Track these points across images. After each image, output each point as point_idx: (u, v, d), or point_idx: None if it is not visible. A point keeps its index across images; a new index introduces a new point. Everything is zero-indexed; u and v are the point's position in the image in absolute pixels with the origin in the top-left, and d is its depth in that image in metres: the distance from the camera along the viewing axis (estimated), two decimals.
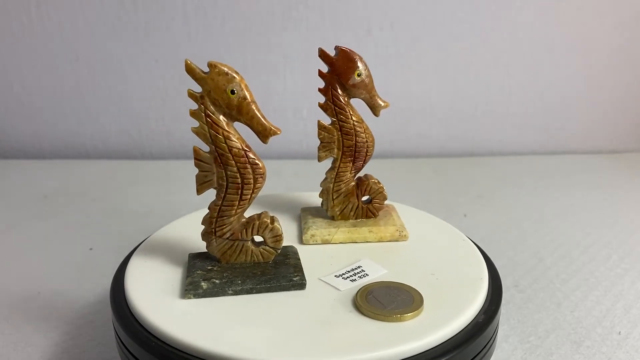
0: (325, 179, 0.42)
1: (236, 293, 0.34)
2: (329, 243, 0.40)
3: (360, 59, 0.39)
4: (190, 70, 0.32)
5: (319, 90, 0.40)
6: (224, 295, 0.34)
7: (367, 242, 0.40)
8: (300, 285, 0.34)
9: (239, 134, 0.34)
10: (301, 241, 0.40)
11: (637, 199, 0.71)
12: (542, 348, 0.41)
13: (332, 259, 0.38)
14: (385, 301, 0.32)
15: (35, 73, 0.85)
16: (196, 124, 0.34)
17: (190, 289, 0.34)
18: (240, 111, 0.33)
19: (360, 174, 0.42)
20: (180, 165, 0.84)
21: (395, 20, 0.83)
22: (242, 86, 0.32)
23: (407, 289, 0.34)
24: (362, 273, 0.36)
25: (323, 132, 0.40)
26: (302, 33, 0.83)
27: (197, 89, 0.33)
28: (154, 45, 0.83)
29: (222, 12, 0.82)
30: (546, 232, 0.61)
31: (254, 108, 0.33)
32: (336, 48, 0.39)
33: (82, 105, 0.87)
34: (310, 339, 0.30)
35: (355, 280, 0.35)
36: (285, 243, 0.38)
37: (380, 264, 0.37)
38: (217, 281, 0.34)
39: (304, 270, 0.36)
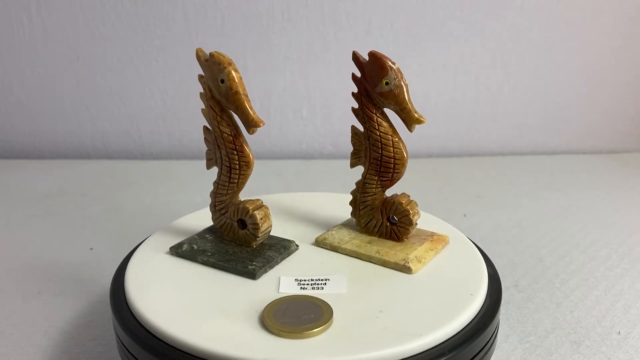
0: (355, 187, 0.40)
1: (203, 263, 0.37)
2: (336, 251, 0.39)
3: (393, 66, 0.35)
4: (197, 57, 0.36)
5: (352, 94, 0.38)
6: (195, 261, 0.37)
7: (370, 262, 0.37)
8: (251, 274, 0.35)
9: (234, 122, 0.36)
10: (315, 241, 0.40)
11: (637, 199, 0.71)
12: (542, 348, 0.41)
13: (319, 264, 0.37)
14: (289, 315, 0.31)
15: (35, 73, 0.85)
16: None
17: (175, 247, 0.38)
18: (228, 100, 0.34)
19: (398, 191, 0.39)
20: (180, 165, 0.84)
21: (395, 20, 0.83)
22: (231, 77, 0.34)
23: (327, 311, 0.31)
24: (320, 285, 0.34)
25: (354, 139, 0.38)
26: (302, 33, 0.83)
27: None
28: (154, 45, 0.84)
29: (222, 12, 0.82)
30: (546, 232, 0.61)
31: (241, 99, 0.34)
32: (369, 53, 0.36)
33: (82, 105, 0.87)
34: (199, 322, 0.31)
35: (305, 288, 0.34)
36: (304, 241, 0.39)
37: (353, 284, 0.34)
38: (195, 247, 0.38)
39: (282, 265, 0.37)
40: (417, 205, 0.38)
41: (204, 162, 0.40)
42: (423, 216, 0.45)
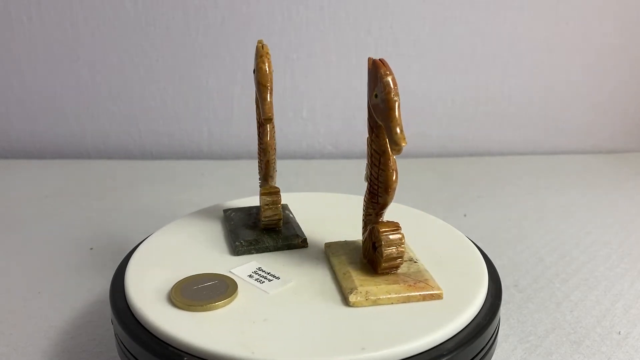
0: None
1: (225, 227, 0.42)
2: (328, 260, 0.37)
3: (385, 77, 0.30)
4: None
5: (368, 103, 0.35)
6: (225, 226, 0.42)
7: (337, 280, 0.35)
8: (234, 250, 0.38)
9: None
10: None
11: (637, 199, 0.71)
12: (542, 348, 0.41)
13: (295, 265, 0.37)
14: (197, 289, 0.33)
15: (35, 73, 0.85)
16: None
17: (225, 210, 0.44)
18: (256, 88, 0.37)
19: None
20: (180, 165, 0.84)
21: (395, 20, 0.83)
22: (258, 68, 0.36)
23: (224, 299, 0.32)
24: (264, 280, 0.35)
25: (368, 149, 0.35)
26: (302, 34, 0.83)
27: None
28: (154, 45, 0.84)
29: (222, 12, 0.82)
30: (546, 232, 0.61)
31: (261, 90, 0.36)
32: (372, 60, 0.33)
33: (82, 105, 0.87)
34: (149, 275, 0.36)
35: (252, 277, 0.36)
36: (321, 242, 0.39)
37: (287, 291, 0.34)
38: (232, 215, 0.43)
39: (271, 253, 0.38)
40: (401, 239, 0.33)
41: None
42: (422, 217, 0.45)
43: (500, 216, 0.65)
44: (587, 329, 0.44)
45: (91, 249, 0.57)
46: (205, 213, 0.45)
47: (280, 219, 0.40)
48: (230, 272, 0.36)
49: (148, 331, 0.31)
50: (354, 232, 0.40)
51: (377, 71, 0.31)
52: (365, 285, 0.33)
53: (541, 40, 0.86)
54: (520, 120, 0.90)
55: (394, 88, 0.31)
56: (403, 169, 0.85)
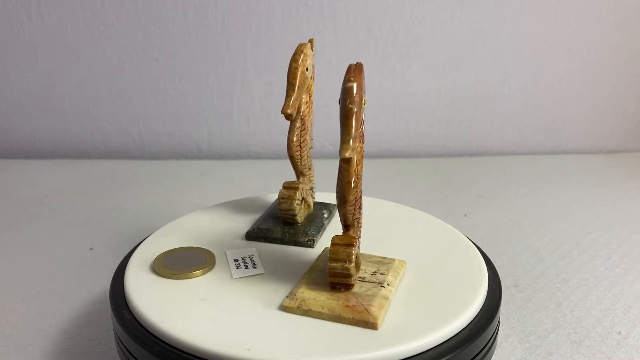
0: None
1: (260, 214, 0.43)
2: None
3: (347, 83, 0.29)
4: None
5: None
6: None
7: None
8: (246, 234, 0.40)
9: (304, 106, 0.40)
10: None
11: (637, 199, 0.71)
12: (542, 348, 0.41)
13: (286, 262, 0.37)
14: (175, 260, 0.36)
15: (35, 73, 0.85)
16: None
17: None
18: None
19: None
20: (180, 165, 0.84)
21: (395, 20, 0.83)
22: (289, 66, 0.36)
23: (196, 270, 0.35)
24: (244, 266, 0.37)
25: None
26: (302, 33, 0.83)
27: None
28: (154, 45, 0.83)
29: (222, 12, 0.82)
30: (546, 232, 0.61)
31: (287, 87, 0.36)
32: None
33: (82, 105, 0.87)
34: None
35: (237, 260, 0.37)
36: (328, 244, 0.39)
37: (248, 280, 0.35)
38: (276, 203, 0.43)
39: (274, 244, 0.39)
40: (350, 255, 0.32)
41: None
42: (422, 217, 0.45)
43: (500, 216, 0.65)
44: (587, 329, 0.44)
45: (91, 249, 0.57)
46: (262, 198, 0.47)
47: (294, 215, 0.40)
48: (224, 252, 0.38)
49: (148, 331, 0.31)
50: (376, 244, 0.38)
51: (345, 74, 0.29)
52: (305, 293, 0.32)
53: (541, 40, 0.86)
54: (520, 120, 0.90)
55: (354, 96, 0.28)
56: (403, 169, 0.85)
